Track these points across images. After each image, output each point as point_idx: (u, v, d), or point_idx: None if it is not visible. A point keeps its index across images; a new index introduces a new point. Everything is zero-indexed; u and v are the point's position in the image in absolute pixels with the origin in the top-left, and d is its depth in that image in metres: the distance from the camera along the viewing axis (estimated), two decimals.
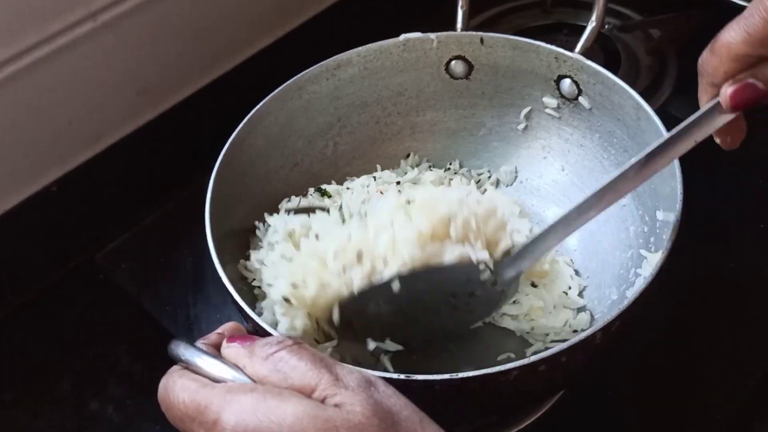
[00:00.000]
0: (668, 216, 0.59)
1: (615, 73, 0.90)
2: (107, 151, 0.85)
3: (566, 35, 0.98)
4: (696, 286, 0.73)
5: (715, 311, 0.72)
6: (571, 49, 0.71)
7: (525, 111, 0.74)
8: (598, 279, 0.68)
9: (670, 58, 0.95)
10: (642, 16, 1.01)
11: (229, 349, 0.46)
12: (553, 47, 0.69)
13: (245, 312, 0.54)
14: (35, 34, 0.75)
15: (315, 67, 0.73)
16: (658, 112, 0.88)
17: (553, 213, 0.73)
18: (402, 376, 0.48)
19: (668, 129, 0.59)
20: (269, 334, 0.51)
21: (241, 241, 0.68)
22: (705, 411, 0.65)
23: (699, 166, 0.83)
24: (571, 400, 0.66)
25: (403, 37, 0.74)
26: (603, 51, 0.92)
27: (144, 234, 0.85)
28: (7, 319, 0.79)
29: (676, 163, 0.58)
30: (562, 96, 0.72)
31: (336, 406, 0.40)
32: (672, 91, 0.91)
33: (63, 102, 0.80)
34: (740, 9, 1.04)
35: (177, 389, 0.43)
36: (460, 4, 0.76)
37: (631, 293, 0.52)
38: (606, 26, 0.95)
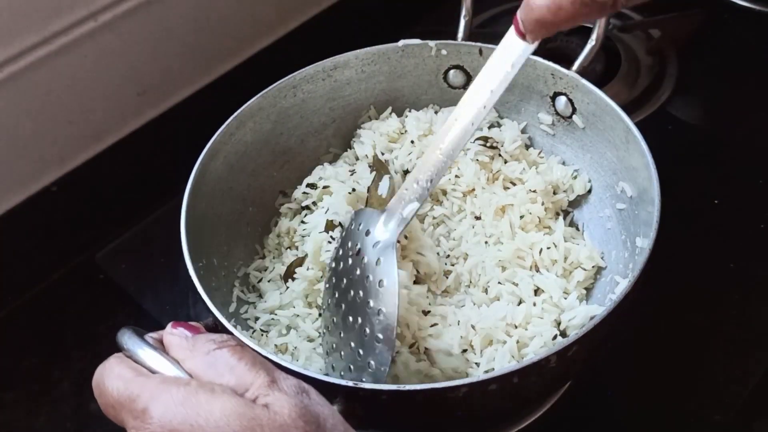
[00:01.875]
0: (644, 243, 0.59)
1: (615, 73, 0.91)
2: (107, 151, 0.85)
3: (566, 35, 0.98)
4: (696, 286, 0.73)
5: (715, 311, 0.72)
6: (571, 49, 0.70)
7: (520, 126, 0.74)
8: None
9: (671, 58, 0.95)
10: (642, 16, 1.01)
11: (172, 337, 0.46)
12: (550, 63, 0.69)
13: (210, 307, 0.55)
14: (35, 34, 0.75)
15: (311, 66, 0.73)
16: (658, 112, 0.89)
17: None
18: (350, 383, 0.49)
19: (658, 150, 0.60)
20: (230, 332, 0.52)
21: (223, 234, 0.68)
22: (705, 411, 0.65)
23: (699, 166, 0.84)
24: (571, 400, 0.66)
25: (401, 42, 0.74)
26: (603, 51, 0.92)
27: (144, 234, 0.85)
28: (7, 319, 0.79)
29: (656, 191, 0.58)
30: (557, 113, 0.71)
31: (265, 406, 0.41)
32: (672, 91, 0.91)
33: (63, 102, 0.80)
34: (740, 9, 1.05)
35: (113, 376, 0.44)
36: (462, 13, 0.75)
37: (596, 318, 0.52)
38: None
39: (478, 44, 0.73)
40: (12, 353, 0.76)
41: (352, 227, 0.60)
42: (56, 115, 0.80)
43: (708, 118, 0.91)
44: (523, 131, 0.74)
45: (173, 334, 0.46)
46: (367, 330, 0.53)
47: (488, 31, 1.00)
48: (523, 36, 0.52)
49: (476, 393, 0.49)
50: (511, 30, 0.52)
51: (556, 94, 0.70)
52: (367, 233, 0.58)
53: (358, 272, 0.56)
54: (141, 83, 0.85)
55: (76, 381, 0.73)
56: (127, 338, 0.46)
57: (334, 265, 0.60)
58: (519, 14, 0.50)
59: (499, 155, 0.71)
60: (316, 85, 0.74)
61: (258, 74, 0.73)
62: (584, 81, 0.67)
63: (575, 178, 0.71)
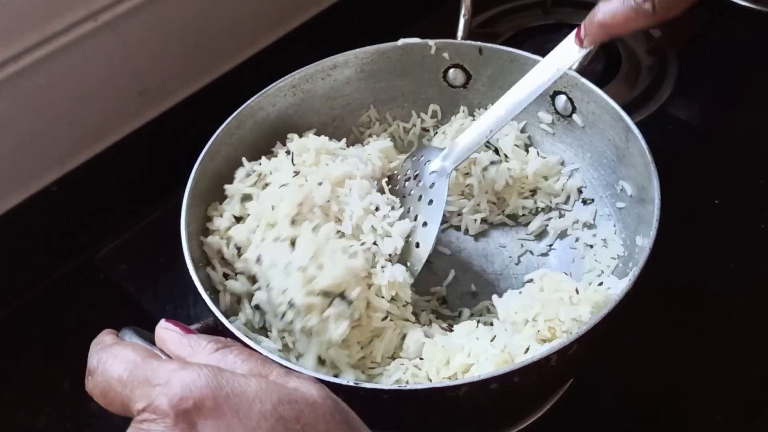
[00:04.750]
0: (644, 241, 0.59)
1: (615, 73, 0.91)
2: (107, 151, 0.85)
3: (567, 35, 0.98)
4: (696, 286, 0.73)
5: (715, 311, 0.72)
6: None
7: (520, 125, 0.74)
8: None
9: (671, 58, 0.95)
10: None
11: (167, 332, 0.45)
12: None
13: (211, 308, 0.55)
14: (35, 34, 0.75)
15: (310, 66, 0.73)
16: (658, 112, 0.89)
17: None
18: (351, 383, 0.49)
19: (658, 150, 0.60)
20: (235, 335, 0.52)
21: None
22: (705, 411, 0.65)
23: (699, 166, 0.84)
24: (571, 400, 0.66)
25: (401, 41, 0.74)
26: (604, 51, 0.92)
27: (144, 234, 0.85)
28: (7, 319, 0.79)
29: (656, 190, 0.58)
30: (556, 112, 0.71)
31: (294, 388, 0.41)
32: (672, 91, 0.91)
33: (63, 102, 0.80)
34: (740, 9, 1.05)
35: (126, 353, 0.42)
36: (462, 12, 0.75)
37: (597, 317, 0.51)
38: None
39: (478, 43, 0.73)
40: (12, 353, 0.76)
41: (414, 158, 0.69)
42: (56, 115, 0.80)
43: (708, 118, 0.91)
44: (523, 130, 0.74)
45: (167, 329, 0.45)
46: (410, 238, 0.64)
47: (489, 31, 1.00)
48: (581, 41, 0.65)
49: (477, 392, 0.49)
50: (571, 36, 0.65)
51: (555, 93, 0.70)
52: (426, 163, 0.68)
53: (412, 192, 0.67)
54: (141, 83, 0.85)
55: (76, 381, 0.72)
56: (128, 338, 0.46)
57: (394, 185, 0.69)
58: (585, 21, 0.64)
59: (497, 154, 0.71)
60: (315, 85, 0.74)
61: (258, 74, 0.73)
62: (584, 80, 0.67)
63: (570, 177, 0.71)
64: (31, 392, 0.73)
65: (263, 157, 0.68)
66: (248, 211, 0.64)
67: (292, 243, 0.60)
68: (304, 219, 0.61)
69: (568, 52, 0.66)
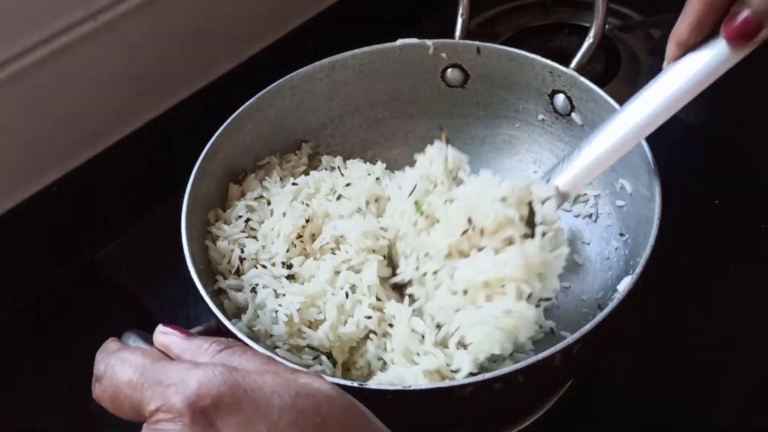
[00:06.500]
0: (645, 239, 0.59)
1: (616, 73, 0.91)
2: (107, 151, 0.85)
3: (567, 35, 0.98)
4: (696, 286, 0.73)
5: (715, 311, 0.72)
6: (572, 48, 0.70)
7: (518, 124, 0.74)
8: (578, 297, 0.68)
9: None
10: (642, 16, 1.01)
11: (168, 337, 0.45)
12: (548, 61, 0.69)
13: (212, 309, 0.55)
14: (35, 34, 0.75)
15: (309, 66, 0.73)
16: None
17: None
18: (355, 384, 0.49)
19: (658, 150, 0.61)
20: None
21: None
22: (705, 410, 0.65)
23: (699, 166, 0.84)
24: (571, 400, 0.66)
25: (399, 42, 0.74)
26: (604, 51, 0.92)
27: (144, 234, 0.85)
28: (7, 319, 0.79)
29: (657, 187, 0.58)
30: (555, 111, 0.71)
31: (306, 383, 0.40)
32: None
33: (63, 102, 0.80)
34: None
35: (134, 357, 0.42)
36: (460, 12, 0.75)
37: (599, 316, 0.51)
38: (606, 26, 0.95)
39: (476, 43, 0.73)
40: (12, 353, 0.76)
41: None
42: (56, 115, 0.80)
43: (708, 118, 0.91)
44: (521, 129, 0.74)
45: (167, 333, 0.45)
46: None
47: (488, 31, 1.00)
48: (746, 38, 0.52)
49: (481, 392, 0.49)
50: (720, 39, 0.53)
51: (554, 92, 0.70)
52: None
53: None
54: (141, 83, 0.85)
55: (76, 381, 0.72)
56: (132, 342, 0.46)
57: None
58: (753, 9, 0.50)
59: None
60: (314, 85, 0.74)
61: (258, 74, 0.73)
62: (582, 78, 0.67)
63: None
64: (31, 392, 0.73)
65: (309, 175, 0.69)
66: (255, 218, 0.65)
67: (290, 276, 0.61)
68: (303, 247, 0.61)
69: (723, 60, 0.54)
